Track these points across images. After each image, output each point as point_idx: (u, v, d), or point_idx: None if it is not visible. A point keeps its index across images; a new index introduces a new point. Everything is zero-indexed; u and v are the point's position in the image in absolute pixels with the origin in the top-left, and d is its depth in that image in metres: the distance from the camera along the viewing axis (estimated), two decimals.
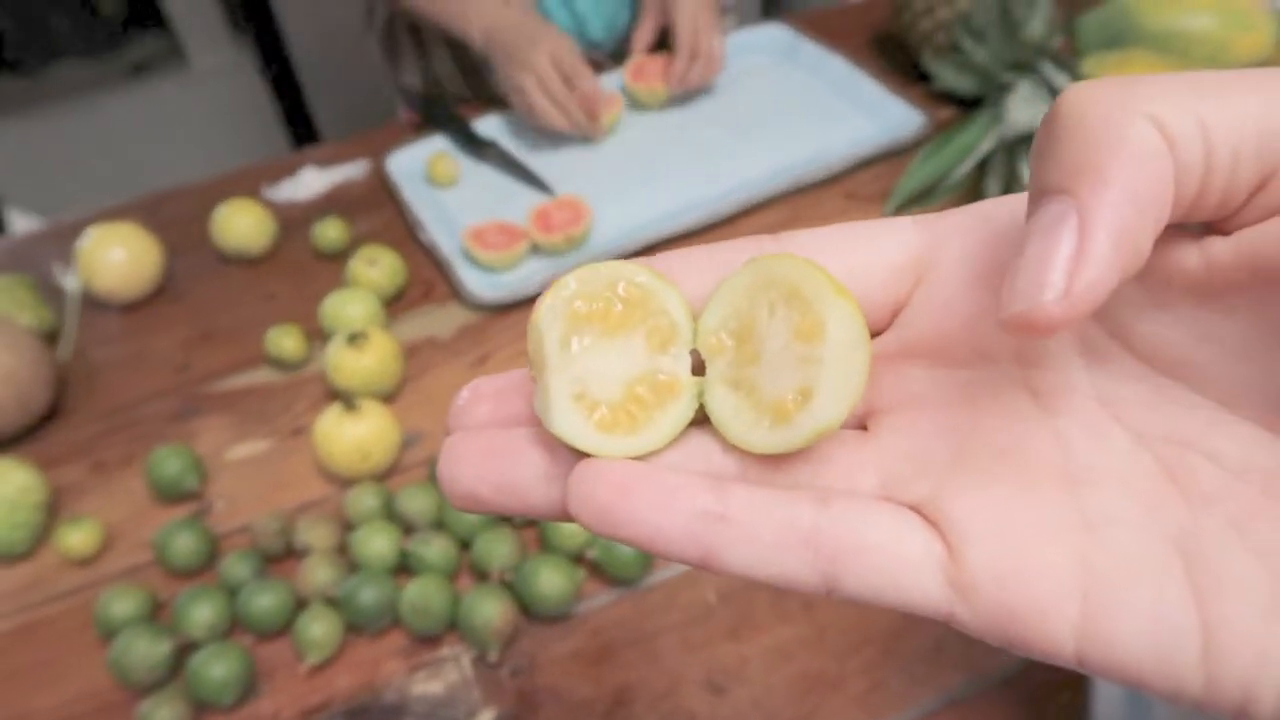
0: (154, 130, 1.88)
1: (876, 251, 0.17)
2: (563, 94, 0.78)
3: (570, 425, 0.16)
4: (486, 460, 0.17)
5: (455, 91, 0.96)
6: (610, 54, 0.95)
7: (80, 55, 2.13)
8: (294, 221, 0.79)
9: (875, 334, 0.17)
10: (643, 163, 0.79)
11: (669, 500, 0.15)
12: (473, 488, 0.17)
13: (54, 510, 0.59)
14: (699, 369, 0.17)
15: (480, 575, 0.53)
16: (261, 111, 1.78)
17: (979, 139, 0.71)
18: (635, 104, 0.86)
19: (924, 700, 0.47)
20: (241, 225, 0.74)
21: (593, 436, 0.16)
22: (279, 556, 0.55)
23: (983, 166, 0.71)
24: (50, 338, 0.70)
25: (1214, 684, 0.13)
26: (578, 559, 0.53)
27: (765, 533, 0.15)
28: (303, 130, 1.82)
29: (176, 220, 0.80)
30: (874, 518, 0.15)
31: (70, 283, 0.72)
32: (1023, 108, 0.70)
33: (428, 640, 0.51)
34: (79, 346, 0.71)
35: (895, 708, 0.47)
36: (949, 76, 0.78)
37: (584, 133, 0.80)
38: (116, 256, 0.70)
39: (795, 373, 0.16)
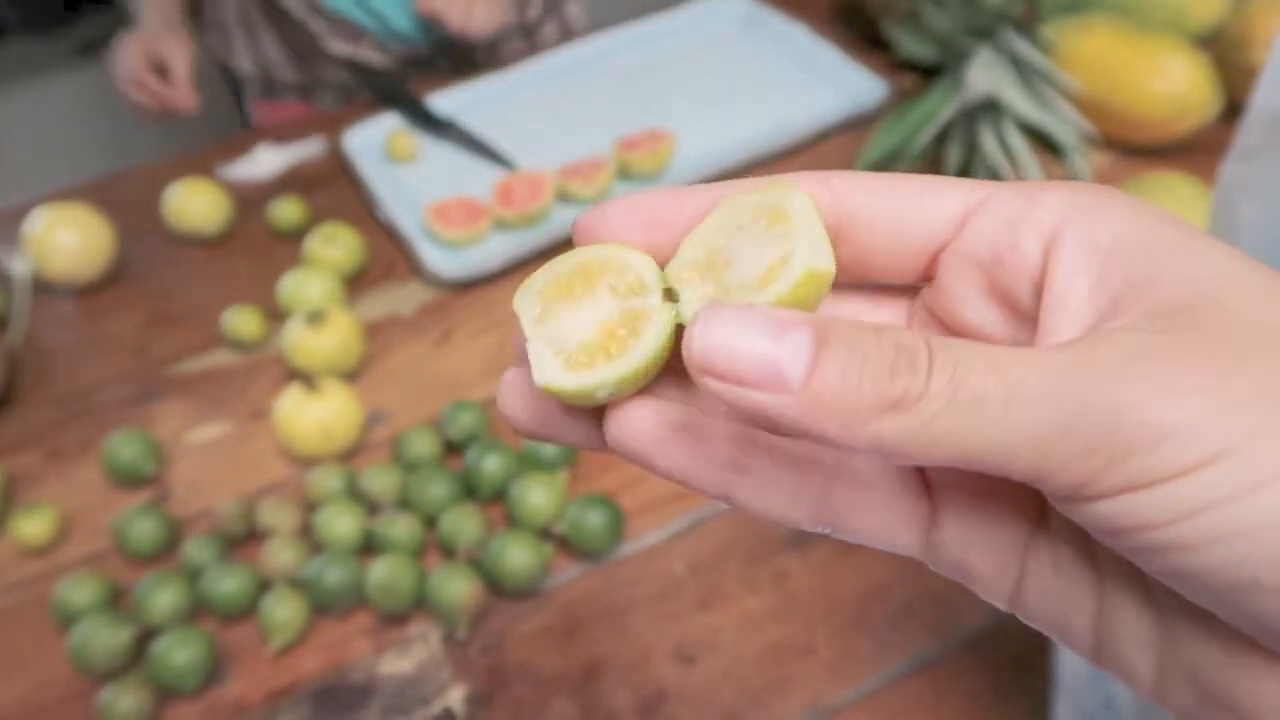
0: (103, 111, 1.83)
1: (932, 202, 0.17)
2: (148, 82, 0.87)
3: (552, 373, 0.17)
4: (531, 401, 0.18)
5: (283, 78, 0.96)
6: (427, 45, 0.94)
7: (27, 34, 2.07)
8: (250, 201, 0.77)
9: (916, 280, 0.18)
10: (604, 136, 0.78)
11: (699, 451, 0.17)
12: (525, 424, 0.19)
13: (8, 499, 0.58)
14: (672, 297, 0.18)
15: (447, 553, 0.52)
16: (213, 88, 1.74)
17: (940, 107, 0.71)
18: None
19: (894, 664, 0.48)
20: (196, 205, 0.73)
21: (574, 376, 0.17)
22: (241, 540, 0.54)
23: (944, 135, 0.71)
24: (0, 324, 0.68)
25: None
26: (545, 534, 0.52)
27: (777, 490, 0.17)
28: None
29: (129, 202, 0.78)
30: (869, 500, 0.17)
31: (19, 267, 0.70)
32: (983, 74, 0.70)
33: (395, 620, 0.51)
34: (30, 332, 0.69)
35: (866, 673, 0.47)
36: (909, 44, 0.78)
37: (159, 119, 0.90)
38: (67, 239, 0.69)
39: (771, 249, 0.16)
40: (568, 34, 1.00)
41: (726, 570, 0.52)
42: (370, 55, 0.93)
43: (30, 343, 0.68)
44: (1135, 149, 0.73)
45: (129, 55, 0.88)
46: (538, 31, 0.98)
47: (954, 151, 0.68)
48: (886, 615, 0.50)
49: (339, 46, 0.92)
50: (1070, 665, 0.46)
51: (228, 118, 1.08)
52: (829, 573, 0.51)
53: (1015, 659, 0.47)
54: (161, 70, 0.88)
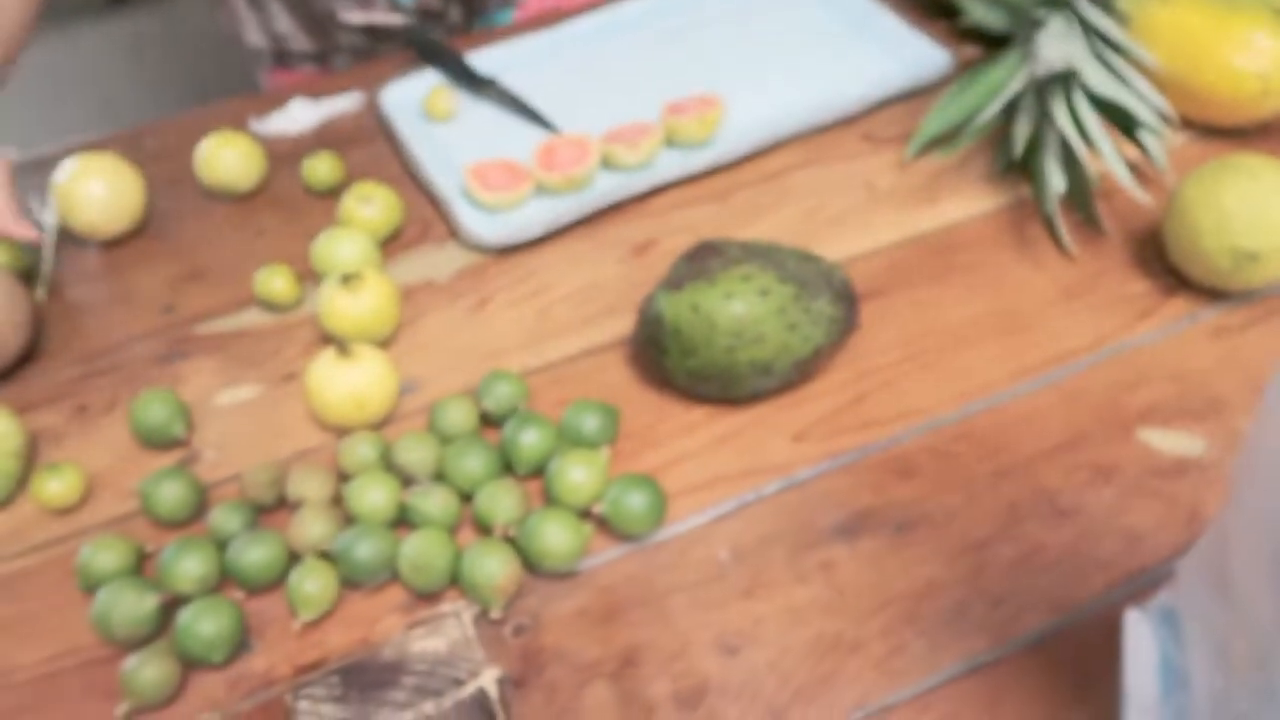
0: (133, 62, 1.81)
1: None
2: None
3: None
4: None
5: (300, 49, 0.91)
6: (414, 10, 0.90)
7: None
8: (283, 156, 0.75)
9: None
10: (649, 99, 0.75)
11: None
12: None
13: (31, 458, 0.56)
14: None
15: (482, 529, 0.50)
16: (226, 63, 1.72)
17: (1008, 78, 0.68)
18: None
19: (947, 665, 0.45)
20: (228, 159, 0.70)
21: None
22: (270, 508, 0.52)
23: (1012, 107, 0.67)
24: (26, 276, 0.66)
25: None
26: (584, 514, 0.50)
27: None
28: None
29: (159, 154, 0.76)
30: None
31: (47, 218, 0.68)
32: (1055, 45, 0.66)
33: (427, 597, 0.49)
34: (56, 285, 0.67)
35: (917, 672, 0.45)
36: (977, 11, 0.74)
37: None
38: (96, 190, 0.66)
39: None
40: None
41: (771, 557, 0.50)
42: (386, 18, 0.89)
43: (56, 296, 0.66)
44: (1215, 130, 0.69)
45: None
46: None
47: (1022, 125, 0.65)
48: (940, 613, 0.47)
49: (353, 15, 0.88)
50: (1139, 675, 0.43)
51: (243, 93, 1.05)
52: (879, 566, 0.49)
53: (1078, 666, 0.45)
54: None
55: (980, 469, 0.53)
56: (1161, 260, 0.62)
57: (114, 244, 0.70)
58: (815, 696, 0.45)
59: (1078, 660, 0.45)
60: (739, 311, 0.52)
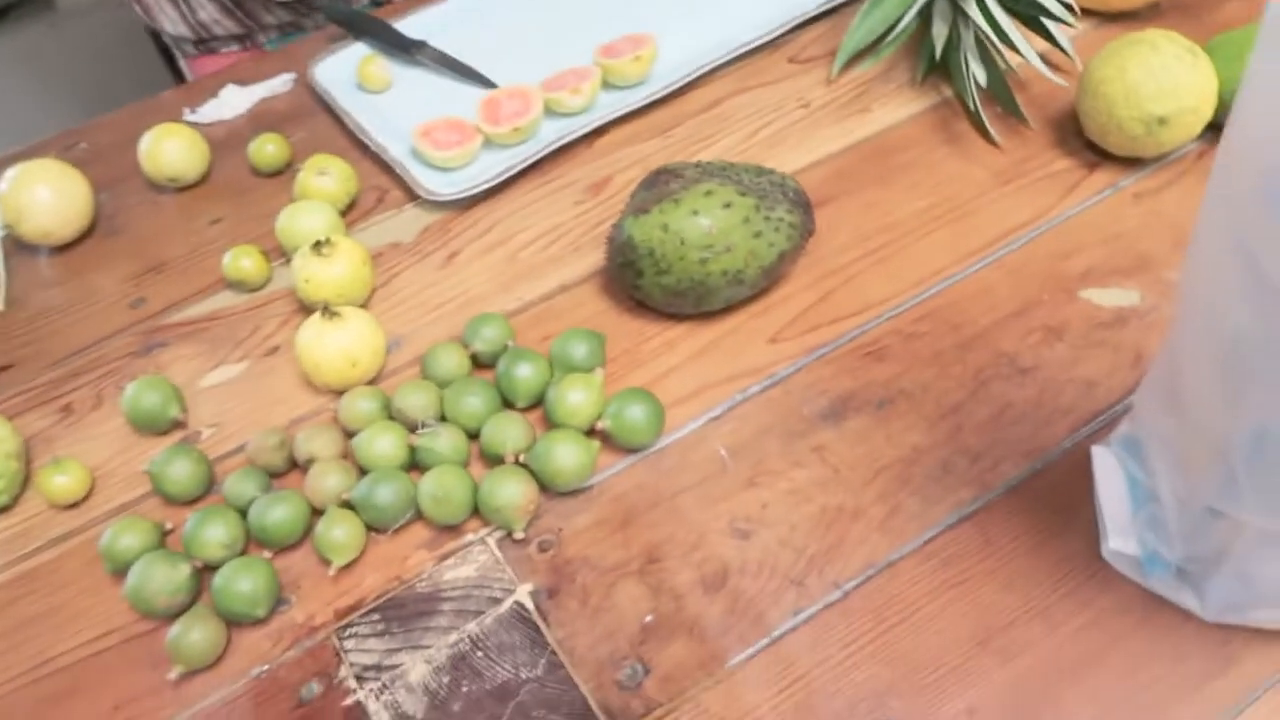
0: (23, 75, 1.74)
1: None
2: None
3: None
4: None
5: (225, 33, 0.91)
6: None
7: None
8: (222, 143, 0.75)
9: None
10: (580, 46, 0.77)
11: None
12: None
13: (28, 460, 0.56)
14: None
15: (492, 461, 0.53)
16: (134, 49, 1.67)
17: None
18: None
19: (940, 517, 0.50)
20: (172, 150, 0.70)
21: None
22: (281, 472, 0.54)
23: (925, 14, 0.71)
24: None
25: None
26: (589, 432, 0.53)
27: None
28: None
29: (96, 156, 0.75)
30: None
31: None
32: None
33: (450, 530, 0.51)
34: (15, 294, 0.67)
35: (915, 528, 0.49)
36: None
37: None
38: (43, 195, 0.66)
39: None
40: None
41: (767, 448, 0.53)
42: None
43: (18, 305, 0.66)
44: (1112, 15, 0.74)
45: None
46: None
47: (939, 28, 0.69)
48: (928, 474, 0.51)
49: None
50: (1111, 499, 0.48)
51: (162, 84, 1.04)
52: (866, 442, 0.53)
53: (1057, 502, 0.50)
54: None
55: (945, 343, 0.57)
56: (1080, 138, 0.67)
57: (67, 247, 0.69)
58: (828, 562, 0.48)
59: (1054, 496, 0.50)
60: (707, 225, 0.55)
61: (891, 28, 0.73)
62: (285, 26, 0.92)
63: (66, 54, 1.75)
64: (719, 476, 0.52)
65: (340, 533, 0.49)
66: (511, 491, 0.49)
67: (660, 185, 0.57)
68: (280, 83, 0.79)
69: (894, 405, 0.54)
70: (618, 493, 0.52)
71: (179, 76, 1.02)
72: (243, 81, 0.79)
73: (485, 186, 0.67)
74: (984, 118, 0.67)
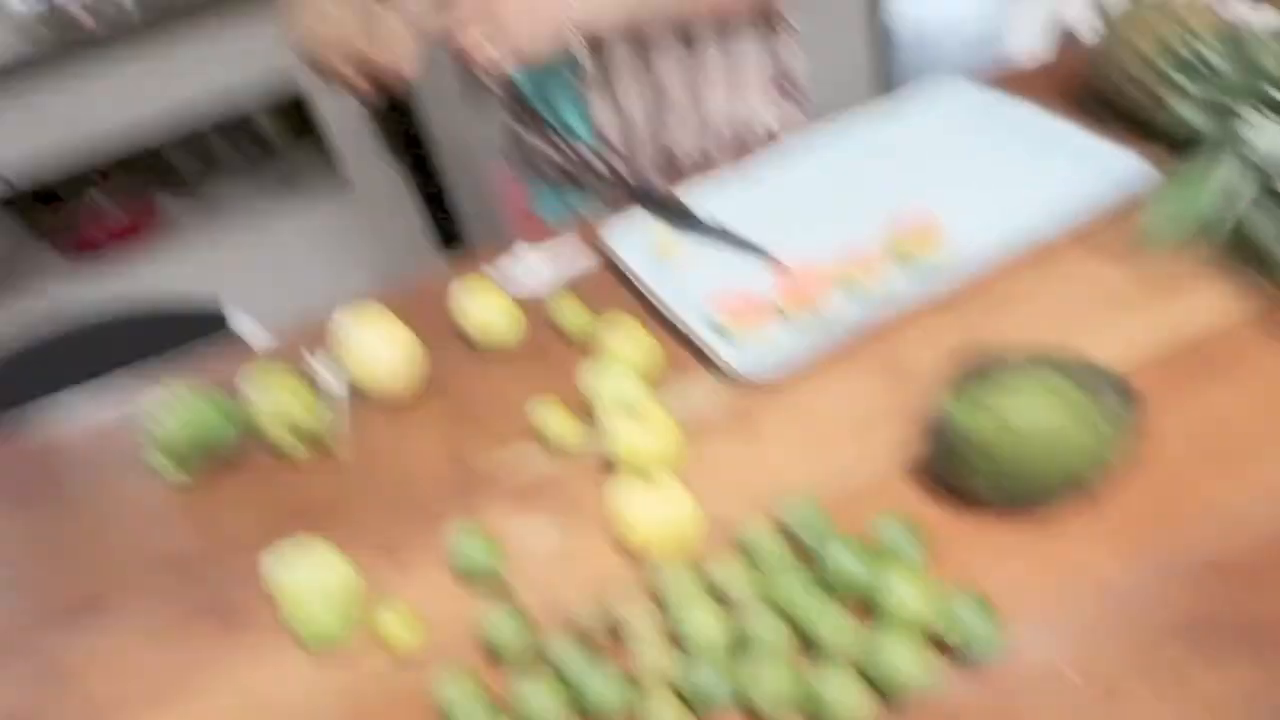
0: (312, 245, 2.00)
1: None
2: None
3: None
4: None
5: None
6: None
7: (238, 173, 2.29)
8: (527, 304, 0.80)
9: None
10: (861, 221, 0.78)
11: None
12: None
13: (363, 597, 0.60)
14: None
15: (815, 652, 0.51)
16: (411, 228, 1.90)
17: (1225, 173, 0.68)
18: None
19: None
20: (492, 318, 0.76)
21: None
22: (601, 640, 0.54)
23: (1230, 199, 0.68)
24: (322, 437, 0.72)
25: None
26: (922, 632, 0.50)
27: None
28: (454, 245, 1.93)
29: (417, 312, 0.82)
30: None
31: (335, 380, 0.74)
32: (1268, 136, 0.67)
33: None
34: (352, 439, 0.73)
35: None
36: (1184, 110, 0.75)
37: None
38: (382, 351, 0.73)
39: None
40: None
41: (1123, 673, 0.49)
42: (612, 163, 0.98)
43: (354, 448, 0.72)
44: None
45: None
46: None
47: (1263, 219, 0.65)
48: None
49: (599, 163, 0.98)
50: None
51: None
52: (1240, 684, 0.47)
53: None
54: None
55: None
56: None
57: (392, 398, 0.75)
58: None
59: None
60: (1045, 420, 0.53)
61: (1197, 215, 0.69)
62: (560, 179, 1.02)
63: (354, 227, 2.00)
64: (1067, 694, 0.48)
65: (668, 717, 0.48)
66: (851, 702, 0.47)
67: (989, 373, 0.56)
68: (582, 258, 0.85)
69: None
70: (949, 709, 0.49)
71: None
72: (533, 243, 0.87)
73: (789, 371, 0.68)
74: None
